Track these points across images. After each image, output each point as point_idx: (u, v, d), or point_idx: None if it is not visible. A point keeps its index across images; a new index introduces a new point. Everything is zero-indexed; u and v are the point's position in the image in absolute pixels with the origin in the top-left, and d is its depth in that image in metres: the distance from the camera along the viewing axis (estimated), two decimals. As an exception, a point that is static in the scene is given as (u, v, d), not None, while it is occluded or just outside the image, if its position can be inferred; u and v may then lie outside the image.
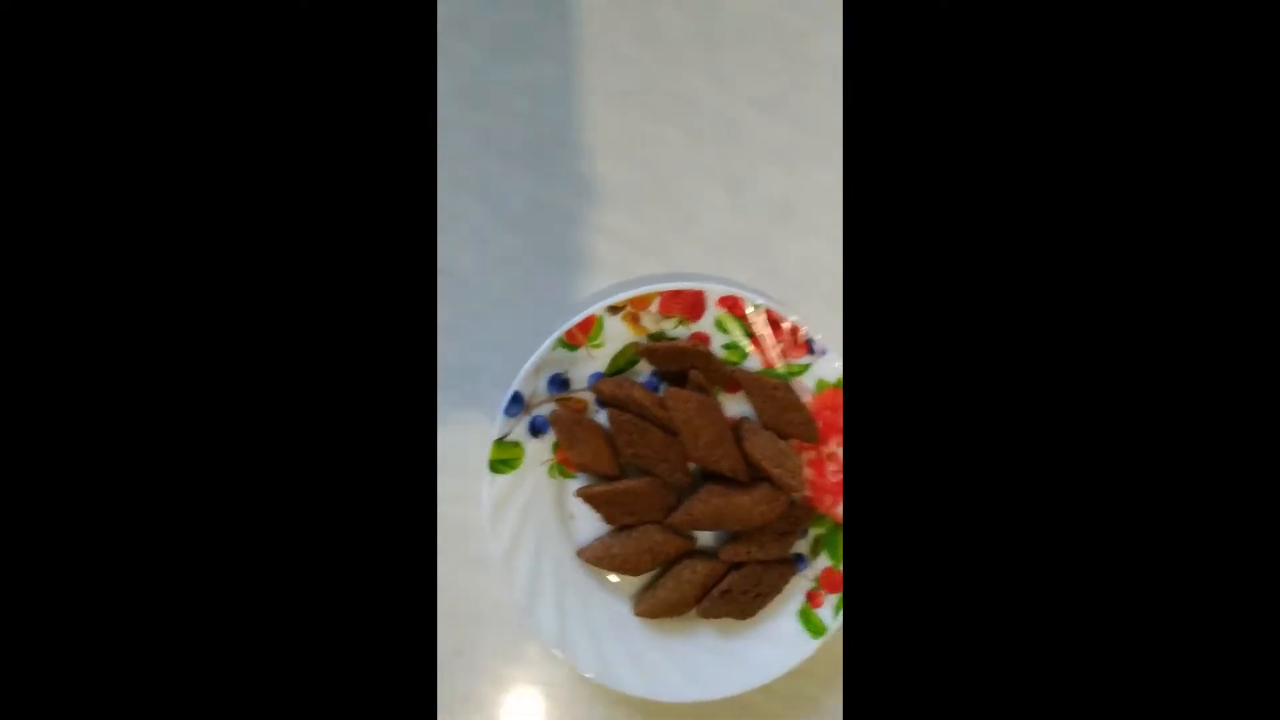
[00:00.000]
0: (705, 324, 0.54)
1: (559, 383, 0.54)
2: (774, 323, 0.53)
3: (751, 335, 0.54)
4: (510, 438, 0.53)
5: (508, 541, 0.52)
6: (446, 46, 0.57)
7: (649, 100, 0.57)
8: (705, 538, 0.55)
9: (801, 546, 0.55)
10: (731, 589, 0.53)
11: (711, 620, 0.54)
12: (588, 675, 0.52)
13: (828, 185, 0.57)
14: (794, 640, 0.53)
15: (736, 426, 0.54)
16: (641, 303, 0.53)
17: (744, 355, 0.54)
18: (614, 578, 0.55)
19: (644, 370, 0.55)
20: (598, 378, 0.54)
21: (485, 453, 0.53)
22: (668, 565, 0.54)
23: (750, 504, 0.52)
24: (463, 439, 0.55)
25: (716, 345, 0.54)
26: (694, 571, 0.53)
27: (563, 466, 0.54)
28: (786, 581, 0.53)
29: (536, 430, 0.53)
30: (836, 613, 0.53)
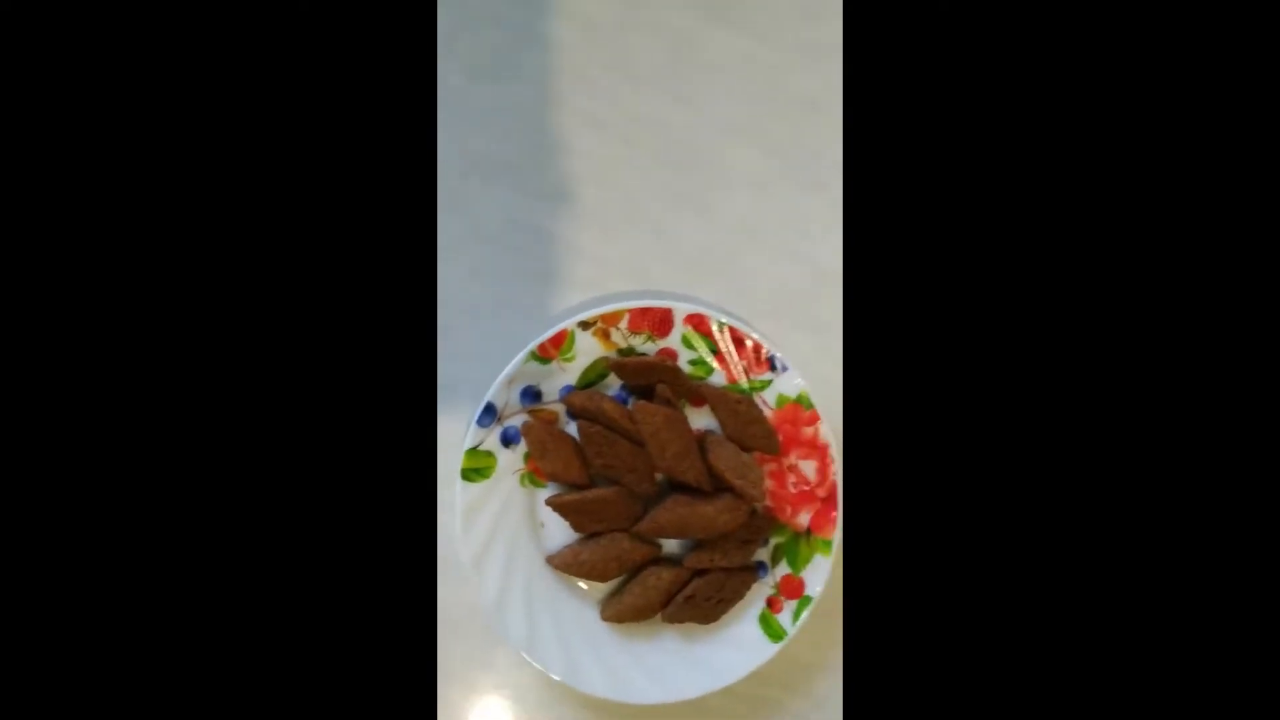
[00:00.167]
0: (673, 340, 0.56)
1: (531, 394, 0.56)
2: (738, 340, 0.56)
3: (717, 352, 0.56)
4: (483, 447, 0.55)
5: (478, 548, 0.54)
6: (428, 70, 0.59)
7: (623, 126, 0.60)
8: (671, 545, 0.58)
9: (763, 554, 0.57)
10: (695, 595, 0.55)
11: (676, 625, 0.56)
12: (556, 678, 0.54)
13: (792, 210, 0.60)
14: (755, 644, 0.55)
15: (701, 439, 0.56)
16: (612, 319, 0.55)
17: (709, 371, 0.57)
18: (583, 584, 0.57)
19: (613, 384, 0.57)
20: (569, 390, 0.56)
21: (458, 461, 0.54)
22: (634, 572, 0.56)
23: (714, 513, 0.54)
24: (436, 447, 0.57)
25: (683, 361, 0.56)
26: (659, 578, 0.55)
27: (534, 476, 0.56)
28: (748, 588, 0.56)
29: (508, 440, 0.55)
30: (795, 618, 0.55)
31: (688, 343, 0.56)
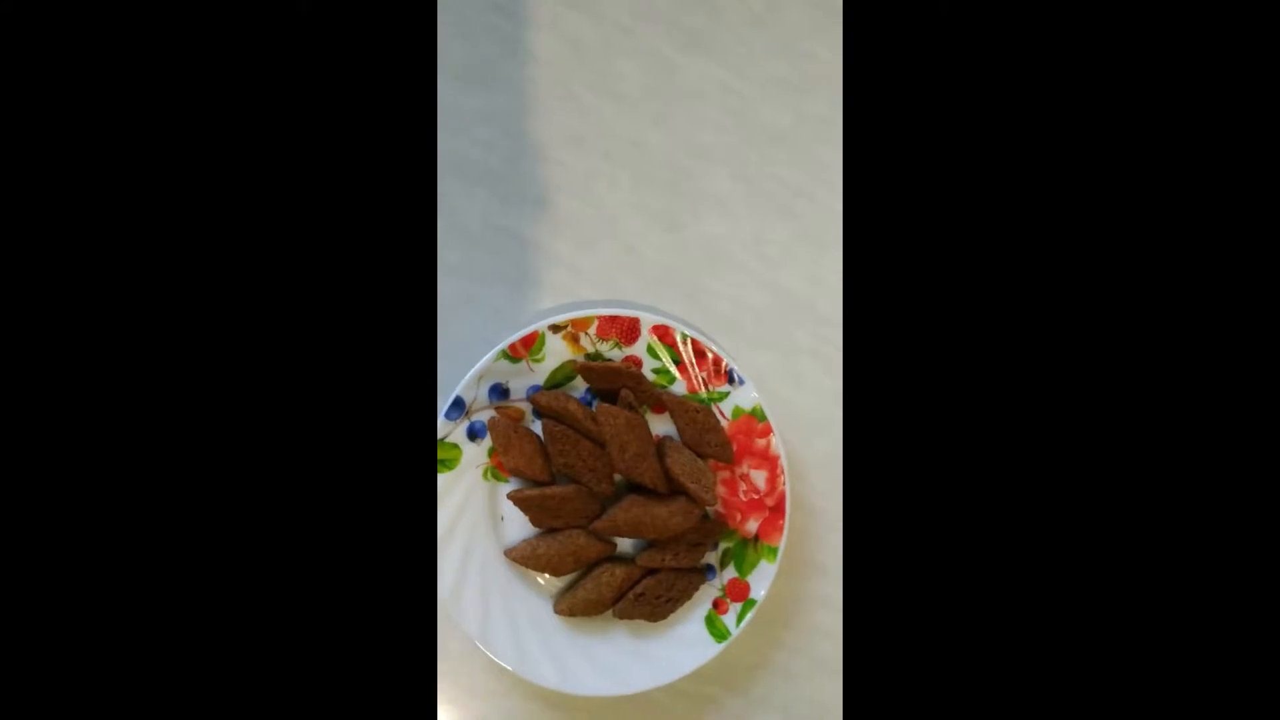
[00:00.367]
0: (638, 349, 0.59)
1: (499, 391, 0.58)
2: (699, 352, 0.59)
3: (679, 362, 0.59)
4: (449, 439, 0.56)
5: (439, 537, 0.56)
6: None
7: (602, 142, 0.63)
8: (625, 544, 0.60)
9: (711, 558, 0.60)
10: (646, 593, 0.57)
11: (625, 621, 0.58)
12: (506, 667, 0.55)
13: (756, 234, 0.64)
14: (700, 643, 0.58)
15: (660, 444, 0.59)
16: (582, 324, 0.58)
17: (671, 379, 0.59)
18: (541, 579, 0.59)
19: (579, 386, 0.59)
20: (536, 390, 0.58)
21: (425, 452, 0.56)
22: (589, 568, 0.58)
23: (668, 515, 0.57)
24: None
25: (647, 369, 0.59)
26: (613, 574, 0.57)
27: (497, 470, 0.58)
28: (696, 589, 0.58)
29: (474, 434, 0.57)
30: (740, 620, 0.58)
31: (652, 352, 0.59)
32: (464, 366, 0.57)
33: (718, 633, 0.58)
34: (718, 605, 0.59)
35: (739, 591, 0.59)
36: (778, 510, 0.59)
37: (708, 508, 0.58)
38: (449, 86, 0.61)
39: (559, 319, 0.57)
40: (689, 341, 0.58)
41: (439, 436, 0.56)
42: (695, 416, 0.58)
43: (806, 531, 0.62)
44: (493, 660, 0.56)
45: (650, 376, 0.59)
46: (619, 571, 0.57)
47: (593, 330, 0.58)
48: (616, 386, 0.58)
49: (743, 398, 0.59)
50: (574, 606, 0.57)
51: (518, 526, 0.58)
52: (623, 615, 0.57)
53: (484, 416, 0.57)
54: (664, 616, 0.57)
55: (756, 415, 0.59)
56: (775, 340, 0.63)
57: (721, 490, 0.60)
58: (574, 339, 0.58)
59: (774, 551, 0.59)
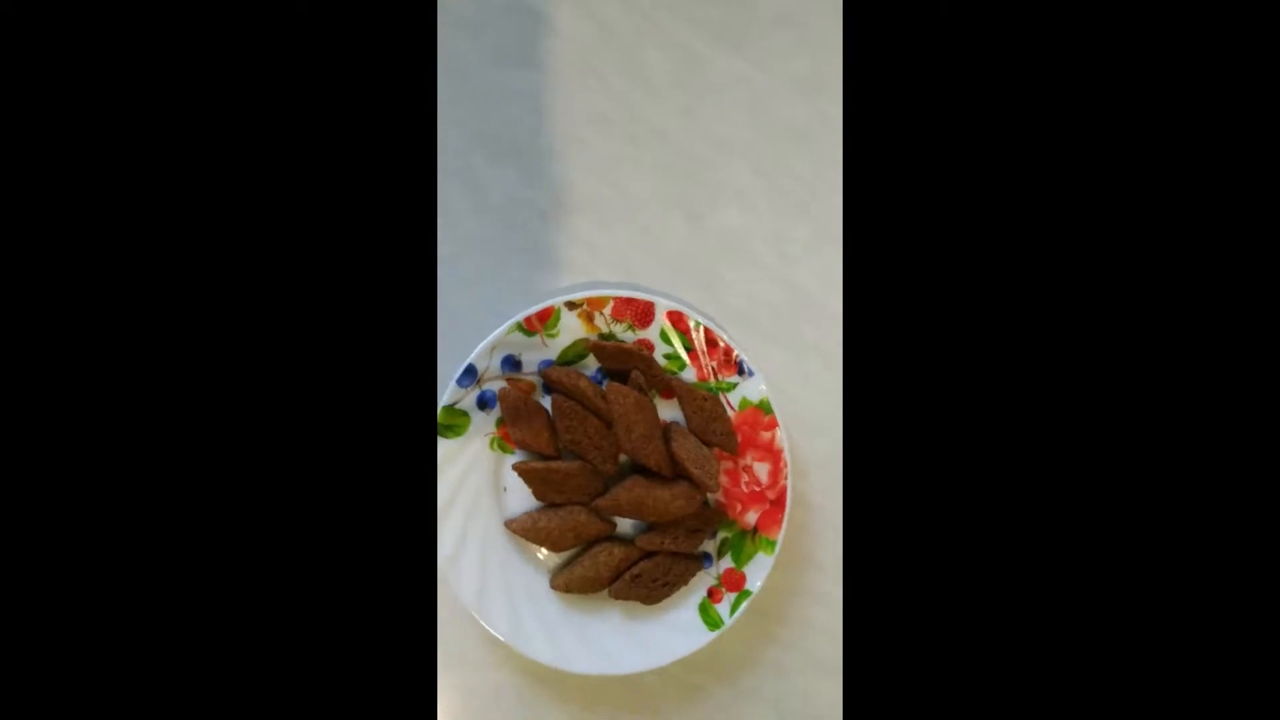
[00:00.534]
0: (652, 332, 0.59)
1: (511, 363, 0.58)
2: (711, 341, 0.59)
3: (691, 349, 0.59)
4: (459, 406, 0.56)
5: (442, 503, 0.55)
6: (450, 44, 0.62)
7: (628, 126, 0.63)
8: (625, 525, 0.60)
9: (709, 546, 0.60)
10: (642, 575, 0.57)
11: (620, 602, 0.58)
12: (500, 638, 0.55)
13: (774, 229, 0.64)
14: (692, 630, 0.58)
15: (666, 428, 0.59)
16: (597, 304, 0.58)
17: (682, 366, 0.60)
18: (540, 553, 0.59)
19: (591, 365, 0.59)
20: (548, 364, 0.58)
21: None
22: (588, 545, 0.58)
23: (670, 498, 0.57)
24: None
25: (659, 353, 0.59)
26: (610, 554, 0.57)
27: (503, 441, 0.58)
28: (692, 575, 0.58)
29: (484, 403, 0.57)
30: (733, 610, 0.58)
31: (665, 337, 0.59)
32: (477, 336, 0.57)
33: (711, 621, 0.58)
34: (712, 594, 0.59)
35: (734, 582, 0.59)
36: (778, 504, 0.59)
37: (709, 493, 0.58)
38: (481, 62, 0.62)
39: (575, 296, 0.57)
40: (702, 329, 0.59)
41: (449, 403, 0.56)
42: (703, 404, 0.59)
43: (805, 527, 0.63)
44: (485, 632, 0.56)
45: (661, 361, 0.59)
46: (617, 551, 0.57)
47: (608, 310, 0.58)
48: (628, 368, 0.58)
49: (751, 390, 0.59)
50: (570, 583, 0.57)
51: (520, 499, 0.58)
52: (618, 595, 0.57)
53: (495, 386, 0.57)
54: (659, 600, 0.57)
55: (763, 408, 0.59)
56: (787, 337, 0.64)
57: (724, 480, 0.60)
58: (589, 318, 0.58)
59: (772, 544, 0.59)
